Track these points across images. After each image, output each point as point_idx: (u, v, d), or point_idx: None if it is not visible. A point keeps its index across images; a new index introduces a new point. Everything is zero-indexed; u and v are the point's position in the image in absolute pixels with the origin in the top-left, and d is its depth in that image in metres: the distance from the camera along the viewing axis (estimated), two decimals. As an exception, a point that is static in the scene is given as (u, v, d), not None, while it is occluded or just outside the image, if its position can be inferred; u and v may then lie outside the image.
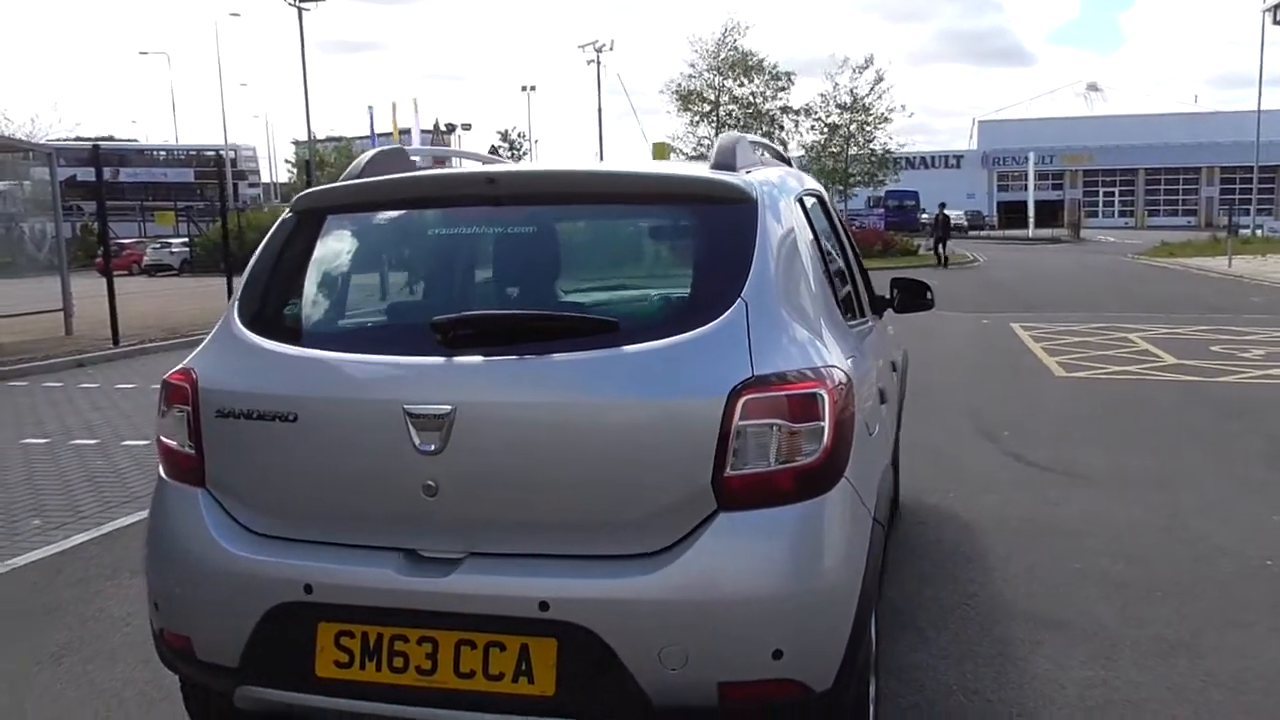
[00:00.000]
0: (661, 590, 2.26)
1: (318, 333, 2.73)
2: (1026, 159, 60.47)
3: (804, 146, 37.13)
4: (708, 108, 33.57)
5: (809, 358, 2.43)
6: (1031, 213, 56.90)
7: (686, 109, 33.57)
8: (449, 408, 2.35)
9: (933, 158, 70.84)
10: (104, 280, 13.77)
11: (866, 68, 35.90)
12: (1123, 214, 71.13)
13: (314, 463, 2.50)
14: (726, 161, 2.78)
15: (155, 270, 36.10)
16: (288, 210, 2.88)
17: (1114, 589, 4.43)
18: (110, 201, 14.73)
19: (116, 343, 13.69)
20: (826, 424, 2.34)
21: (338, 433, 2.47)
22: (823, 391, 2.35)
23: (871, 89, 36.24)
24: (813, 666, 2.32)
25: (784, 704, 2.32)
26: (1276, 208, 61.51)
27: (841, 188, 37.48)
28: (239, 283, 2.83)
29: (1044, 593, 4.41)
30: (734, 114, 33.55)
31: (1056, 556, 4.85)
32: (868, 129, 36.62)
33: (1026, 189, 61.16)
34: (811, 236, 2.96)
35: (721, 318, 2.39)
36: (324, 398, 2.50)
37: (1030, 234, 54.79)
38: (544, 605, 2.29)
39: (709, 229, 2.58)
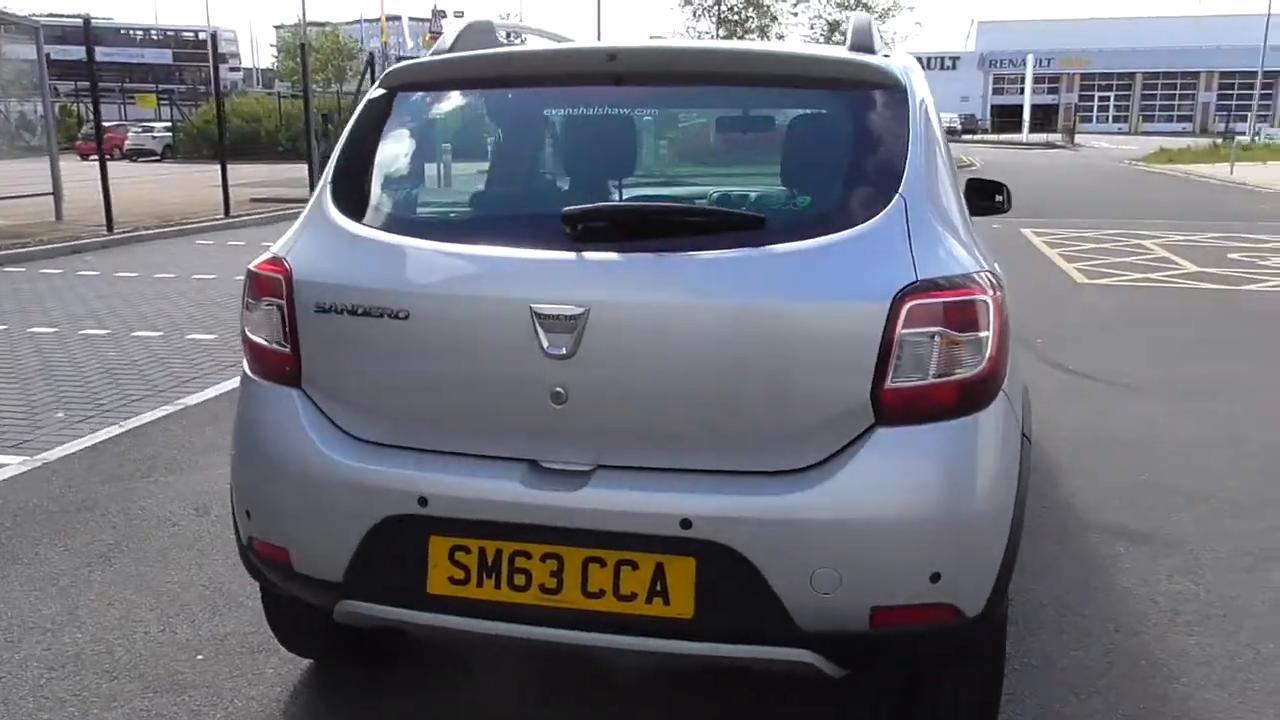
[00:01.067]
0: (816, 509, 2.10)
1: (426, 222, 2.49)
2: (1025, 61, 59.38)
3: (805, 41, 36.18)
4: (710, 1, 32.57)
5: (967, 262, 2.23)
6: (1027, 116, 56.13)
7: (688, 2, 32.59)
8: (582, 309, 2.14)
9: (928, 59, 69.29)
10: (84, 164, 13.28)
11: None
12: (1117, 119, 70.19)
13: (427, 366, 2.29)
14: (865, 43, 2.53)
15: (137, 155, 35.08)
16: (377, 86, 2.61)
17: (1185, 501, 4.34)
18: (88, 82, 14.06)
19: (111, 229, 13.29)
20: (990, 333, 2.15)
21: (455, 334, 2.26)
22: (987, 298, 2.16)
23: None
24: (968, 590, 2.18)
25: (935, 629, 2.18)
26: (1275, 115, 60.84)
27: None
28: (327, 166, 2.57)
29: (1114, 505, 4.31)
30: (735, 7, 32.60)
31: (1120, 468, 4.74)
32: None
33: (1023, 92, 60.15)
34: (941, 132, 2.73)
35: (880, 215, 2.18)
36: (440, 295, 2.28)
37: (1025, 138, 54.14)
38: (686, 523, 2.12)
39: (860, 117, 2.34)
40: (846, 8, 35.52)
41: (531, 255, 2.22)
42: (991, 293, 2.18)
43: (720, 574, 2.13)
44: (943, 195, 2.37)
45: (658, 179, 2.56)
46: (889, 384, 2.10)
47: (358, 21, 61.38)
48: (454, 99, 2.66)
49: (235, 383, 6.03)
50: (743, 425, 2.17)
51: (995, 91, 71.61)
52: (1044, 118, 59.30)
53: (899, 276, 2.12)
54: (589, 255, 2.18)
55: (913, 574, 2.13)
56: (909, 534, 2.11)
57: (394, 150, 2.57)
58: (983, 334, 2.14)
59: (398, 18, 55.42)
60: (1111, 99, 70.73)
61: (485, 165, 2.75)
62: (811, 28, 36.28)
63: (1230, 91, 63.16)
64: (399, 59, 21.92)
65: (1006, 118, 63.84)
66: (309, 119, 18.10)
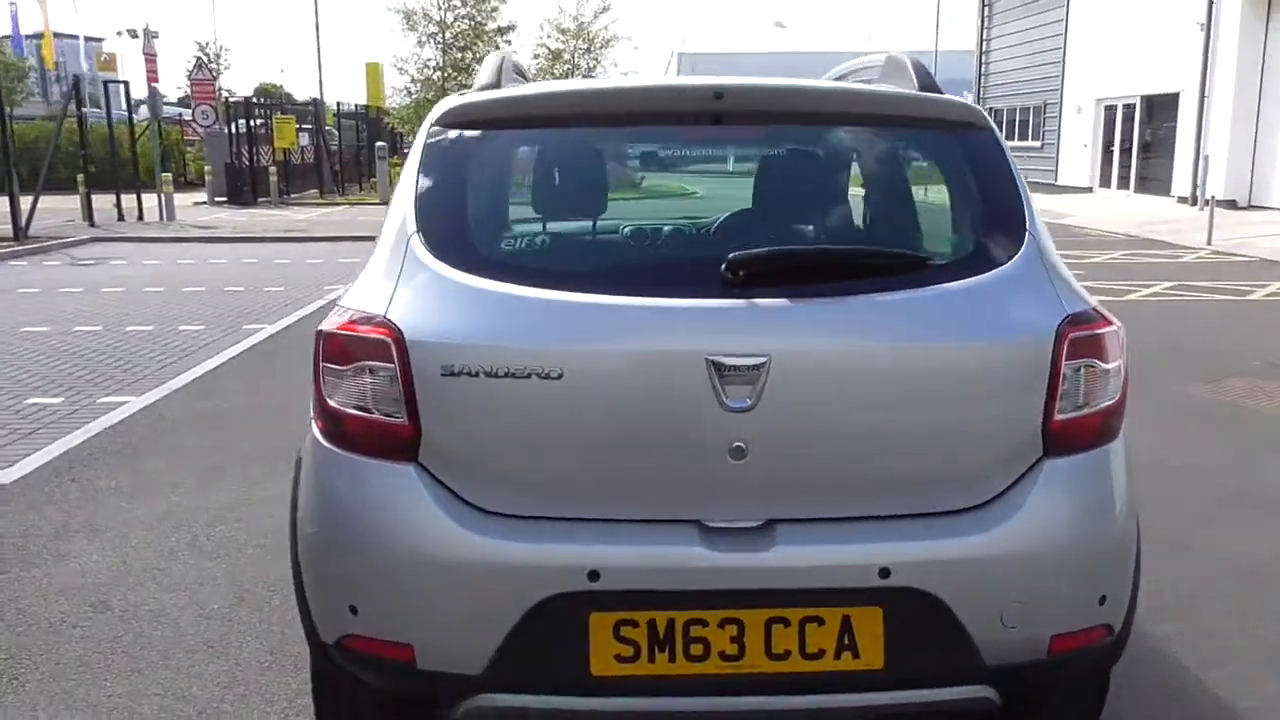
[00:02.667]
0: (1004, 545, 2.12)
1: (559, 272, 2.27)
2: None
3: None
4: (434, 28, 32.01)
5: (1086, 295, 2.34)
6: (731, 143, 59.48)
7: (412, 29, 31.83)
8: (763, 358, 2.05)
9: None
10: None
11: (594, -8, 35.65)
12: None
13: (584, 428, 2.10)
14: (930, 83, 2.59)
15: None
16: (441, 122, 2.37)
17: None
18: None
19: None
20: (1122, 363, 2.27)
21: (618, 391, 2.09)
22: (1119, 329, 2.27)
23: (596, 16, 36.11)
24: (1120, 607, 2.27)
25: (1096, 649, 2.26)
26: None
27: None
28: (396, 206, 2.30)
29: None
30: (462, 35, 32.23)
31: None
32: (592, 55, 36.48)
33: (724, 120, 63.62)
34: None
35: (1020, 253, 2.25)
36: (600, 350, 2.10)
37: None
38: (884, 572, 2.08)
39: (975, 156, 2.39)
40: (567, 34, 36.19)
41: (704, 304, 2.10)
42: (1117, 323, 2.30)
43: (911, 620, 2.10)
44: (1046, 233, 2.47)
45: (777, 219, 2.48)
46: (1056, 416, 2.16)
47: (10, 36, 54.31)
48: (543, 136, 2.47)
49: (51, 451, 5.37)
50: (922, 467, 2.15)
51: (699, 120, 75.33)
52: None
53: (1053, 311, 2.19)
54: (762, 302, 2.10)
55: (1086, 599, 2.20)
56: (1083, 560, 2.18)
57: (491, 193, 2.36)
58: (1117, 364, 2.25)
59: (74, 36, 50.17)
60: (800, 126, 76.34)
61: (587, 206, 2.55)
62: (535, 56, 36.63)
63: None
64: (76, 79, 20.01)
65: (710, 144, 67.18)
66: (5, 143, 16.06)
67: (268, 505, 4.59)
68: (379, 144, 28.67)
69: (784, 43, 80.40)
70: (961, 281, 2.18)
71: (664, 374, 2.07)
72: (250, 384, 7.11)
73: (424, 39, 31.75)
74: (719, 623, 2.09)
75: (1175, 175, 21.86)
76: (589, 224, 2.57)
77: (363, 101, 34.70)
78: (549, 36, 36.10)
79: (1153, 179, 23.06)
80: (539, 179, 2.52)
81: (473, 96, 2.43)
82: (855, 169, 2.60)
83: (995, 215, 2.32)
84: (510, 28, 33.08)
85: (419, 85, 31.97)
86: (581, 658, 2.08)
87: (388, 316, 2.15)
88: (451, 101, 2.44)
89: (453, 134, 2.38)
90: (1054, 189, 25.54)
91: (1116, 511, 2.24)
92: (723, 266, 2.10)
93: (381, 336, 2.13)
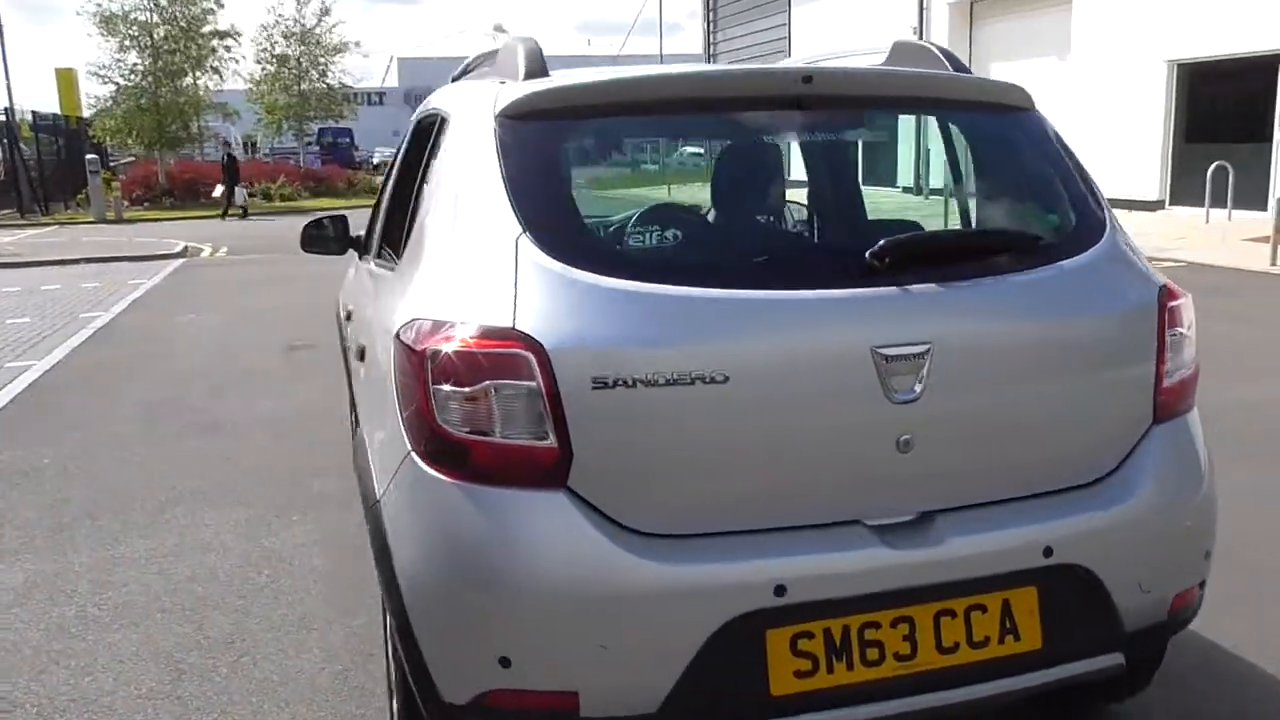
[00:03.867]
0: (1140, 511, 2.17)
1: (698, 266, 2.10)
2: (452, 96, 62.07)
3: (247, 77, 34.35)
4: (137, 30, 29.36)
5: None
6: (461, 149, 58.80)
7: (111, 33, 29.02)
8: (925, 346, 1.99)
9: (355, 94, 69.54)
10: None
11: (312, -2, 34.09)
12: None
13: (752, 431, 1.95)
14: (963, 66, 2.63)
15: None
16: (530, 110, 2.15)
17: None
18: None
19: None
20: (1194, 333, 2.39)
21: (787, 390, 1.95)
22: (1191, 299, 2.39)
23: (319, 20, 34.57)
24: (1210, 561, 2.39)
25: (1196, 604, 2.37)
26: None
27: (297, 124, 35.41)
28: (485, 201, 2.04)
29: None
30: (171, 36, 29.78)
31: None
32: (320, 62, 34.90)
33: (452, 125, 62.76)
34: None
35: (1108, 229, 2.32)
36: (770, 348, 1.95)
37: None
38: (1048, 550, 2.07)
39: (1042, 137, 2.42)
40: (292, 39, 34.45)
41: (864, 293, 2.01)
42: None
43: (1064, 595, 2.12)
44: None
45: (817, 205, 2.42)
46: (1165, 383, 2.25)
47: None
48: (630, 125, 2.29)
49: None
50: (1064, 441, 2.17)
51: (423, 126, 73.97)
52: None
53: (1149, 282, 2.28)
54: (917, 288, 2.04)
55: (1196, 555, 2.30)
56: (1194, 518, 2.28)
57: (594, 186, 2.15)
58: (1193, 333, 2.37)
59: None
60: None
61: (682, 194, 2.38)
62: (258, 61, 34.62)
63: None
64: None
65: (437, 150, 66.13)
66: None
67: (145, 564, 4.05)
68: (90, 157, 26.09)
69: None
70: (1074, 259, 2.22)
71: (831, 368, 1.98)
72: (51, 433, 6.24)
73: (127, 43, 29.12)
74: (891, 623, 2.02)
75: (899, 171, 23.71)
76: (699, 215, 2.40)
77: (57, 110, 31.38)
78: (272, 41, 34.30)
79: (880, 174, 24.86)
80: (633, 169, 2.34)
81: (548, 84, 2.21)
82: (935, 151, 2.58)
83: (1076, 194, 2.37)
84: (232, 33, 31.02)
85: (125, 94, 29.37)
86: (760, 679, 1.95)
87: (519, 328, 1.91)
88: (517, 90, 2.21)
89: (534, 125, 2.16)
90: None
91: (1204, 469, 2.36)
92: (868, 253, 2.03)
93: (518, 351, 1.89)
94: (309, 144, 44.01)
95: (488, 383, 1.90)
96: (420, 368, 1.97)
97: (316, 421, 6.11)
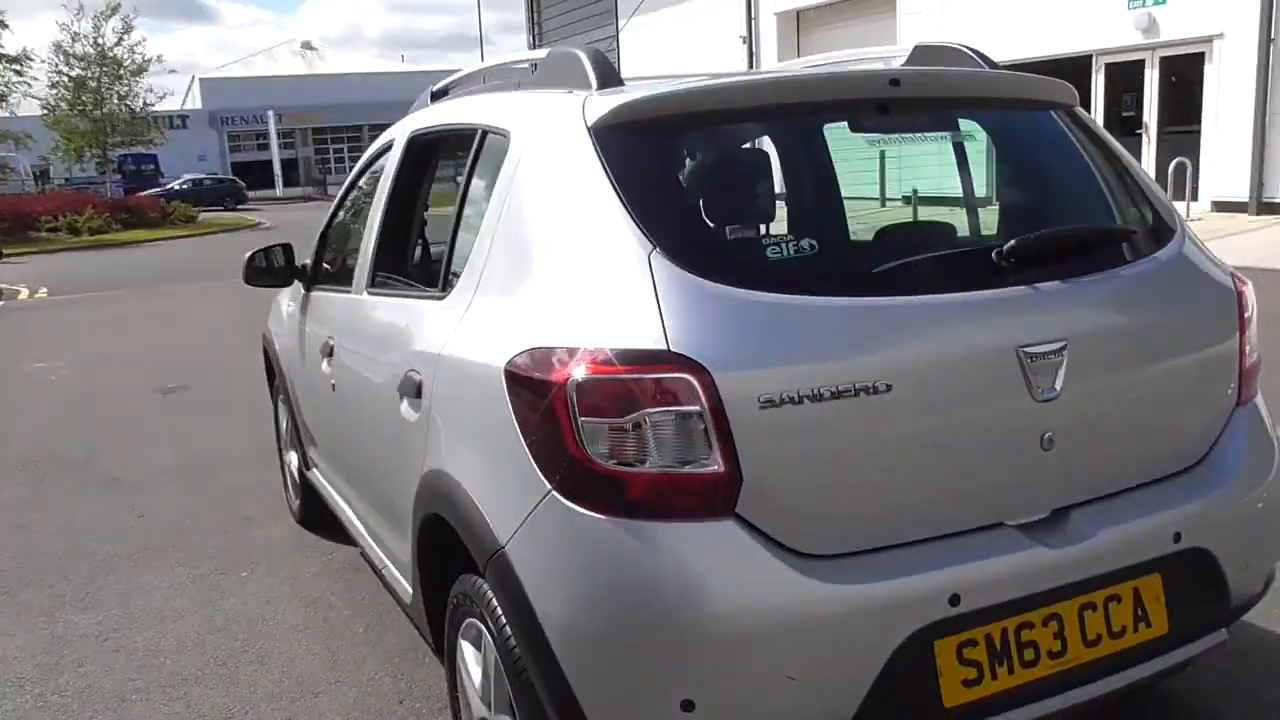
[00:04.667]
0: (1245, 491, 2.25)
1: (841, 275, 2.05)
2: (266, 118, 59.72)
3: (40, 101, 31.96)
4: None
5: None
6: (279, 172, 56.69)
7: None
8: (1063, 341, 2.00)
9: (157, 117, 65.96)
10: None
11: (111, 15, 32.01)
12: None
13: (914, 441, 1.91)
14: (994, 63, 2.66)
15: None
16: (628, 119, 2.03)
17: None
18: None
19: None
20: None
21: (943, 395, 1.92)
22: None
23: (120, 40, 32.49)
24: None
25: (1274, 576, 2.46)
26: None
27: (100, 151, 33.21)
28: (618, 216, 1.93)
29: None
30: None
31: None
32: (123, 84, 32.82)
33: (265, 148, 60.51)
34: None
35: (1179, 222, 2.40)
36: (927, 353, 1.91)
37: (280, 194, 54.58)
38: (1177, 536, 2.11)
39: (1090, 134, 2.46)
40: (89, 60, 32.33)
41: (1004, 294, 2.00)
42: None
43: (1185, 578, 2.16)
44: None
45: (975, 202, 2.40)
46: (1245, 365, 2.34)
47: None
48: (732, 132, 2.21)
49: None
50: (1176, 427, 2.24)
51: (233, 149, 70.80)
52: (288, 172, 60.32)
53: (1223, 270, 2.37)
54: (1047, 286, 2.05)
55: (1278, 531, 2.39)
56: (1273, 496, 2.37)
57: (712, 196, 2.06)
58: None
59: None
60: (345, 150, 74.33)
61: (793, 199, 2.29)
62: (53, 86, 32.27)
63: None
64: None
65: (249, 174, 63.82)
66: None
67: (96, 641, 3.67)
68: None
69: (316, 65, 77.87)
70: (1163, 250, 2.29)
71: (982, 370, 1.96)
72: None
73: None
74: (1042, 621, 2.01)
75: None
76: (816, 222, 2.32)
77: None
78: (69, 64, 32.06)
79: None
80: (739, 178, 2.24)
81: (643, 93, 2.10)
82: (1004, 149, 2.57)
83: (1144, 187, 2.44)
84: (21, 58, 28.80)
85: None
86: (933, 693, 1.90)
87: (676, 349, 1.80)
88: (608, 100, 2.09)
89: (636, 136, 2.05)
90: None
91: (1277, 448, 2.46)
92: (999, 253, 2.02)
93: (678, 374, 1.78)
94: (112, 171, 41.37)
95: (646, 410, 1.78)
96: (561, 400, 1.83)
97: (225, 467, 5.70)
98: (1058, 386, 2.00)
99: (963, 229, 2.52)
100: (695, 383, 1.78)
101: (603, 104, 2.10)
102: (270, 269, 3.95)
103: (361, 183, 3.78)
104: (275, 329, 4.51)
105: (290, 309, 4.19)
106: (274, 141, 59.51)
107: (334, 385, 3.30)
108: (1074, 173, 2.41)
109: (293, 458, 4.60)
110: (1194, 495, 2.18)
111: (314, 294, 3.85)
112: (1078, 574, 2.03)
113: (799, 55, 22.11)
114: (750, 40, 22.86)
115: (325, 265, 3.95)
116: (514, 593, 1.94)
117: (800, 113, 2.23)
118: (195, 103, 71.59)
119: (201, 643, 3.61)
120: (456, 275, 2.44)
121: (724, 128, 2.20)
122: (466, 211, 2.54)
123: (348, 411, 3.18)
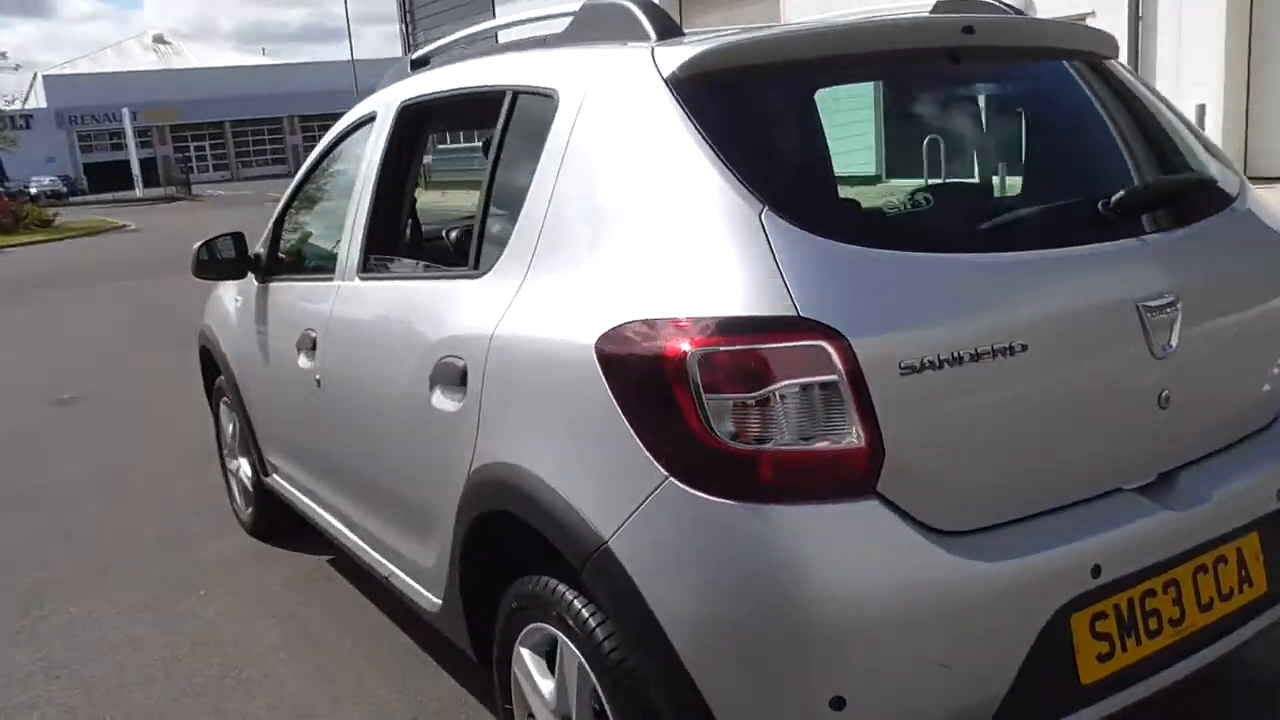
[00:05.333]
0: None
1: (962, 230, 1.91)
2: (120, 116, 56.73)
3: None
4: None
5: None
6: (138, 172, 54.04)
7: None
8: (1175, 295, 1.92)
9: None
10: None
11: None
12: (218, 168, 70.97)
13: (1050, 403, 1.81)
14: (1023, 11, 2.57)
15: None
16: (707, 69, 1.86)
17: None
18: None
19: None
20: None
21: (1076, 354, 1.82)
22: None
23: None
24: None
25: None
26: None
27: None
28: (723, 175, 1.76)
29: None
30: None
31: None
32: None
33: (121, 148, 57.57)
34: None
35: (1239, 175, 2.35)
36: (1060, 311, 1.81)
37: (140, 194, 52.01)
38: (1279, 494, 2.06)
39: (1141, 85, 2.40)
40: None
41: (1117, 247, 1.91)
42: None
43: (1278, 537, 2.11)
44: None
45: (1080, 154, 2.29)
46: None
47: None
48: (817, 79, 2.04)
49: None
50: (1261, 384, 2.17)
51: (84, 149, 67.19)
52: (147, 172, 57.57)
53: None
54: (1154, 238, 1.97)
55: None
56: None
57: (812, 150, 1.90)
58: None
59: None
60: (208, 148, 71.36)
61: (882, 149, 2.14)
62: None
63: (312, 133, 68.47)
64: None
65: (104, 175, 60.71)
66: None
67: (47, 679, 3.32)
68: None
69: (171, 60, 74.43)
70: (1237, 200, 2.23)
71: (1108, 326, 1.87)
72: None
73: None
74: (1163, 588, 1.93)
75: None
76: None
77: None
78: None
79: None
80: (840, 128, 2.09)
81: (722, 41, 1.93)
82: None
83: (1200, 140, 2.38)
84: None
85: None
86: (1070, 669, 1.80)
87: (806, 315, 1.64)
88: (687, 50, 1.91)
89: (720, 88, 1.88)
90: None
91: None
92: (1108, 205, 1.93)
93: (813, 342, 1.62)
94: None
95: (778, 383, 1.62)
96: (678, 376, 1.65)
97: (147, 480, 5.29)
98: (1174, 342, 1.92)
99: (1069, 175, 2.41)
100: (831, 350, 1.62)
101: (677, 54, 1.92)
102: (219, 261, 3.63)
103: (332, 163, 3.48)
104: (218, 327, 4.16)
105: (240, 303, 3.87)
106: (130, 140, 56.54)
107: (319, 381, 3.02)
108: (1137, 124, 2.34)
109: (242, 464, 4.27)
110: None
111: (274, 285, 3.55)
112: (1198, 537, 1.95)
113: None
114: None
115: (282, 255, 3.65)
116: (623, 591, 1.75)
117: (885, 60, 2.09)
118: (38, 102, 67.56)
119: (170, 671, 3.28)
120: (497, 250, 2.23)
121: (806, 76, 2.04)
122: (500, 180, 2.32)
123: (340, 408, 2.91)
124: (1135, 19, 15.38)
